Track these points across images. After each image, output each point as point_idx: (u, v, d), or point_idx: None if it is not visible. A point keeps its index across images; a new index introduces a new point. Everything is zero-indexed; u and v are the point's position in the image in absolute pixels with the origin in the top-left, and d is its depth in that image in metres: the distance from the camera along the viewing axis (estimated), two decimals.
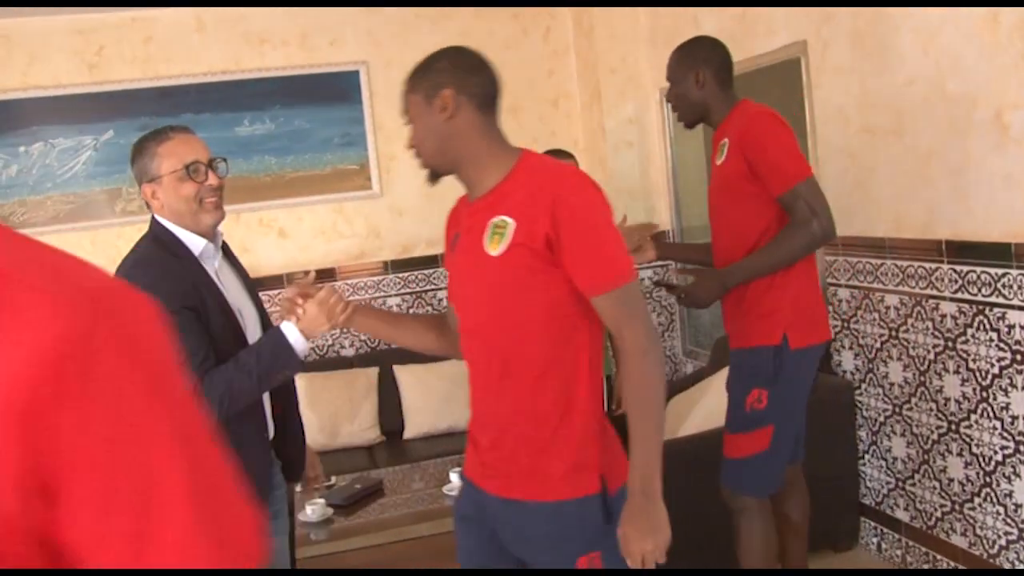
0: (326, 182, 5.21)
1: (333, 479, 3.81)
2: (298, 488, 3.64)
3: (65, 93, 4.94)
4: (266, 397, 2.37)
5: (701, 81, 2.90)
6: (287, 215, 5.17)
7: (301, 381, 4.58)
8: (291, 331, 2.20)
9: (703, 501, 3.65)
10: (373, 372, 4.86)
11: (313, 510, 3.42)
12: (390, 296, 5.30)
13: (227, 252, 2.48)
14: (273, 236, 5.19)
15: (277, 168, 5.15)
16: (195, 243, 2.29)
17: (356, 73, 5.22)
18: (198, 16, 5.05)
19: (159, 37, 5.03)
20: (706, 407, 3.97)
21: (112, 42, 4.99)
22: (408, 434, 4.80)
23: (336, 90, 5.19)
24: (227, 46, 5.09)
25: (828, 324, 2.99)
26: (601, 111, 5.22)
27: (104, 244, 4.92)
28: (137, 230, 2.41)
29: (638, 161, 5.23)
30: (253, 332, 2.36)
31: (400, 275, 5.32)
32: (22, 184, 4.93)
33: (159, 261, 2.23)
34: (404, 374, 4.87)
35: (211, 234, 2.33)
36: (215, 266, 2.33)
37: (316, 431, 4.55)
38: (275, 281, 5.11)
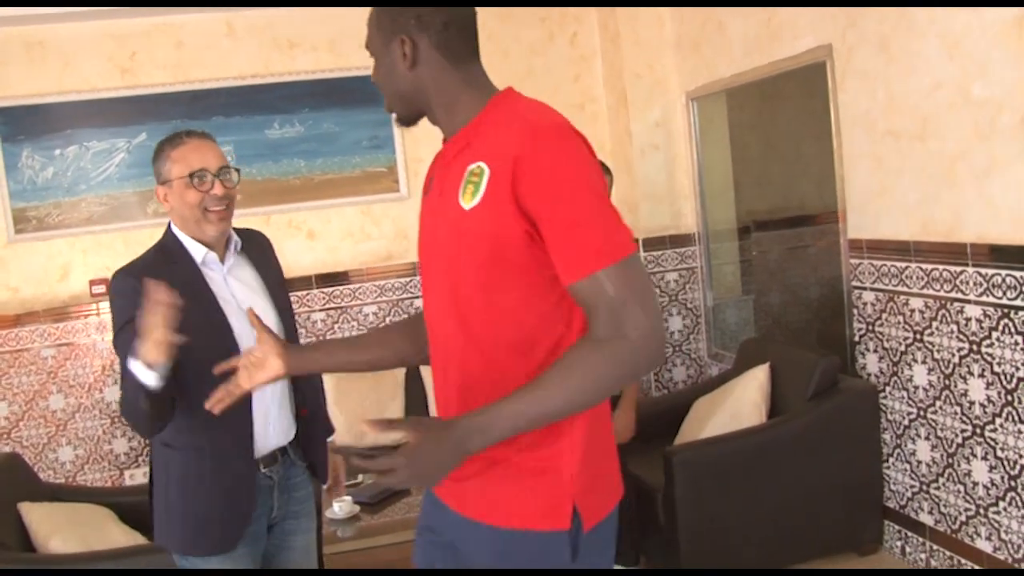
0: (354, 184, 5.27)
1: (360, 477, 3.86)
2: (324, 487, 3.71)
3: (99, 97, 5.02)
4: (267, 402, 2.35)
5: (409, 54, 1.70)
6: (316, 217, 5.23)
7: (329, 381, 4.64)
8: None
9: (727, 501, 3.68)
10: (400, 373, 4.91)
11: (340, 507, 3.47)
12: (418, 297, 5.35)
13: (252, 254, 2.49)
14: (302, 238, 5.25)
15: (306, 170, 5.21)
16: (197, 250, 2.33)
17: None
18: (229, 21, 5.12)
19: (190, 42, 5.11)
20: (730, 409, 3.99)
21: (144, 47, 5.07)
22: None
23: (364, 93, 5.24)
24: (257, 50, 5.16)
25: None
26: (627, 115, 5.24)
27: (136, 245, 4.99)
28: None
29: (664, 165, 5.25)
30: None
31: None
32: (57, 186, 5.02)
33: (144, 269, 2.23)
34: (430, 375, 4.91)
35: (215, 242, 2.35)
36: (223, 271, 2.37)
37: (343, 431, 4.59)
38: (304, 282, 5.17)
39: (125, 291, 2.23)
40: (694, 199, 5.24)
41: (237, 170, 2.37)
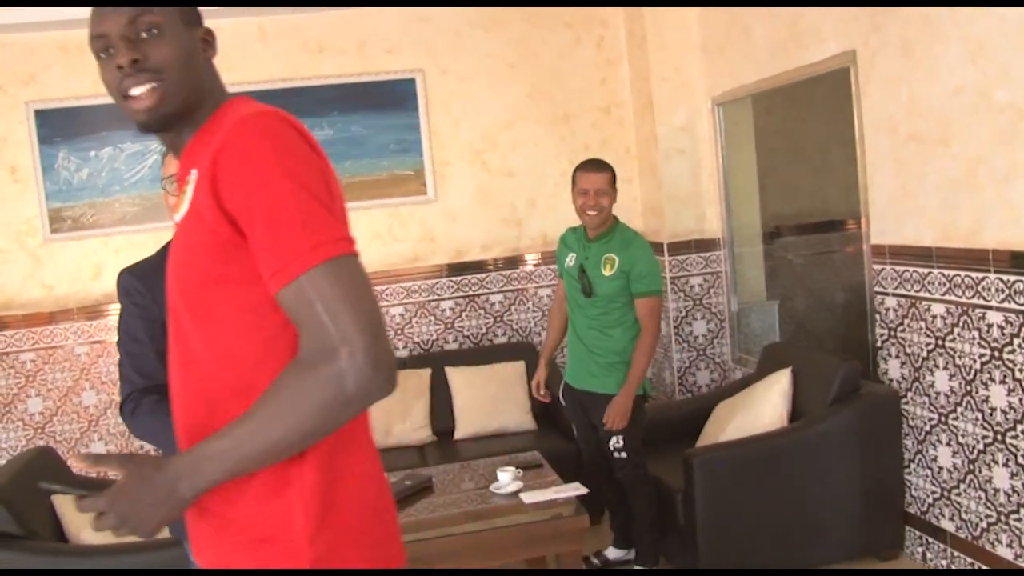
0: (382, 187, 5.33)
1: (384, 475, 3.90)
2: None
3: None
4: None
5: (210, 42, 1.56)
6: None
7: None
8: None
9: (747, 504, 3.69)
10: (425, 373, 4.96)
11: None
12: (444, 299, 5.40)
13: None
14: None
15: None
16: None
17: (412, 81, 5.34)
18: (260, 25, 5.20)
19: (222, 45, 5.04)
20: (752, 413, 4.00)
21: None
22: (459, 434, 4.89)
23: (392, 97, 5.31)
24: (287, 54, 5.24)
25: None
26: (653, 119, 5.26)
27: None
28: None
29: (689, 169, 5.27)
30: None
31: (454, 279, 5.42)
32: (92, 187, 5.12)
33: (143, 273, 2.32)
34: (456, 376, 4.97)
35: None
36: None
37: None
38: None
39: (127, 290, 2.31)
40: (719, 203, 5.25)
41: None
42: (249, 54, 5.20)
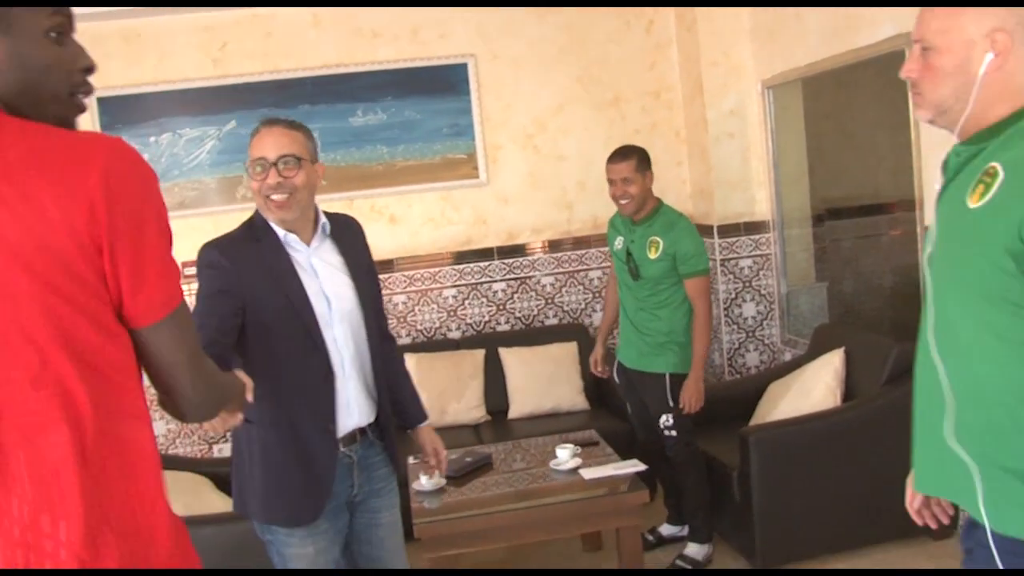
0: (435, 171, 5.42)
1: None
2: (411, 459, 3.86)
3: (191, 86, 5.24)
4: (349, 383, 2.45)
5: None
6: (398, 202, 5.39)
7: (411, 362, 4.81)
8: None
9: (801, 482, 3.75)
10: (479, 354, 5.06)
11: (427, 480, 3.62)
12: (496, 281, 5.49)
13: (341, 238, 2.55)
14: (384, 222, 5.42)
15: (388, 157, 5.38)
16: (280, 231, 2.42)
17: (464, 66, 5.41)
18: (315, 12, 5.29)
19: (278, 32, 5.29)
20: (804, 393, 4.06)
21: (234, 38, 5.27)
22: (513, 414, 4.99)
23: (445, 82, 5.39)
24: (342, 40, 5.33)
25: None
26: (703, 103, 5.30)
27: (225, 228, 5.16)
28: None
29: (739, 152, 5.31)
30: (343, 318, 2.45)
31: (505, 261, 5.51)
32: None
33: (230, 245, 2.40)
34: (509, 356, 5.07)
35: (295, 226, 2.42)
36: (308, 252, 2.44)
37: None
38: (386, 265, 5.34)
39: (210, 263, 2.37)
40: (768, 186, 5.29)
41: (297, 158, 2.36)
42: (304, 41, 5.30)
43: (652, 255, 3.89)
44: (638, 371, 4.04)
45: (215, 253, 2.38)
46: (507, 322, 5.52)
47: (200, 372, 1.45)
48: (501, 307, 5.51)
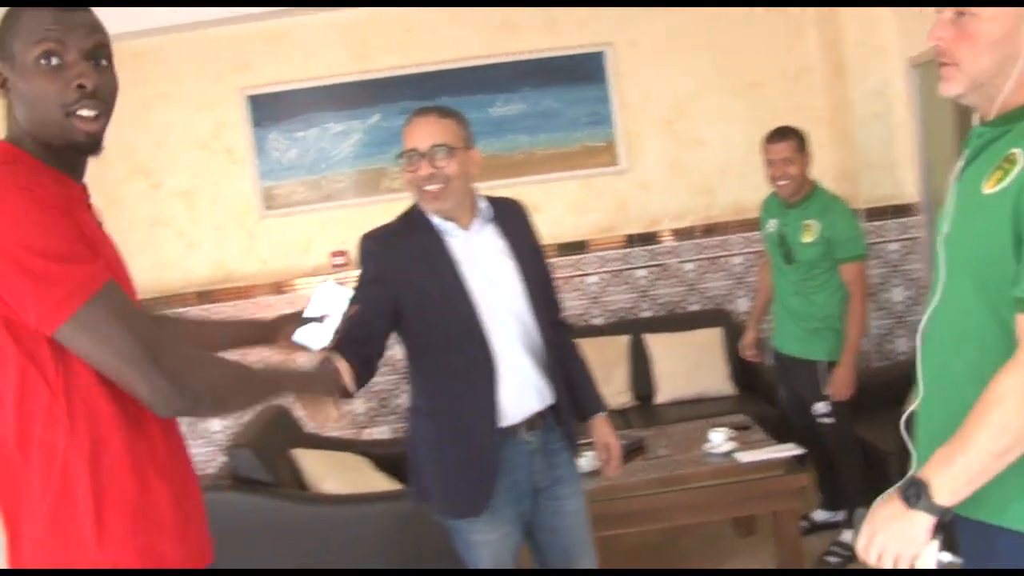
0: (575, 159, 5.45)
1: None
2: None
3: (336, 82, 5.40)
4: (518, 369, 2.41)
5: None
6: (539, 191, 5.43)
7: None
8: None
9: None
10: (624, 340, 5.07)
11: (585, 461, 3.64)
12: (637, 268, 5.49)
13: (505, 222, 2.51)
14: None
15: (529, 146, 5.43)
16: (437, 219, 2.41)
17: (601, 54, 5.42)
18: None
19: (418, 27, 5.40)
20: None
21: (376, 34, 5.40)
22: (659, 399, 4.99)
23: (583, 71, 5.41)
24: (480, 32, 5.40)
25: None
26: (845, 84, 5.20)
27: (371, 219, 5.27)
28: (401, 206, 2.53)
29: (884, 134, 5.19)
30: (506, 304, 2.42)
31: (647, 247, 5.50)
32: (300, 166, 5.43)
33: (386, 235, 2.43)
34: (654, 342, 5.07)
35: (452, 214, 2.39)
36: (467, 240, 2.41)
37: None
38: None
39: (366, 253, 2.42)
40: (916, 168, 5.15)
41: (448, 147, 2.32)
42: (443, 33, 5.39)
43: (806, 239, 3.82)
44: (792, 356, 3.99)
45: (371, 243, 2.42)
46: (649, 308, 5.51)
47: (151, 364, 1.44)
48: (643, 293, 5.51)
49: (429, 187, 2.33)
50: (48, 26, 1.48)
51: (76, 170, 1.63)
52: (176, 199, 5.49)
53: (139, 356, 1.43)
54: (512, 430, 2.43)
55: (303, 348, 2.12)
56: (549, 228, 5.43)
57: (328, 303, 2.15)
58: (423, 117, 2.38)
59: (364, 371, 2.17)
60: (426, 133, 2.34)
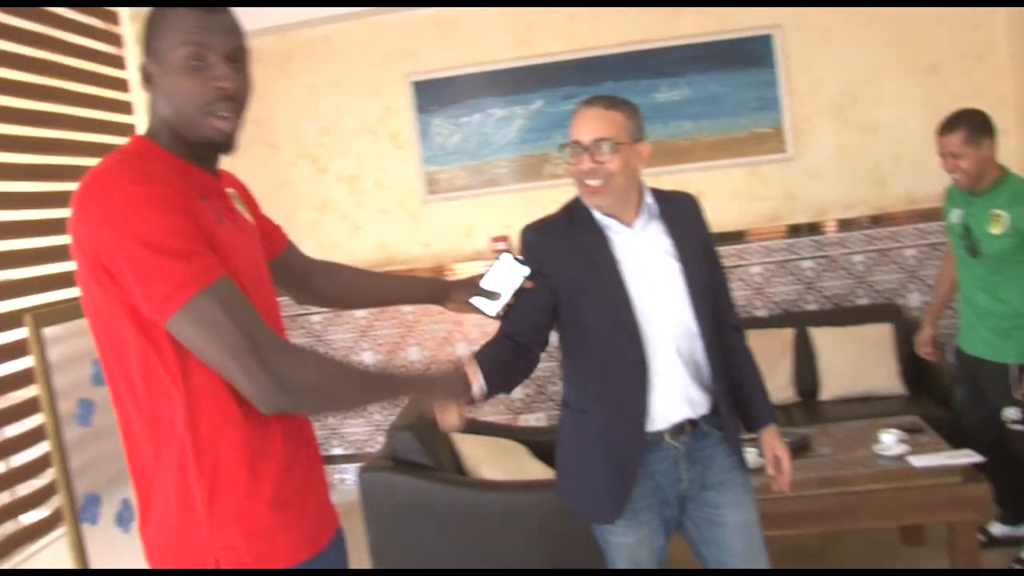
0: (741, 145, 5.31)
1: None
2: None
3: (500, 68, 5.42)
4: (672, 374, 2.31)
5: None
6: (703, 178, 5.32)
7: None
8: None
9: None
10: (788, 333, 4.91)
11: (748, 458, 3.53)
12: (804, 259, 5.31)
13: (672, 217, 2.39)
14: None
15: (693, 132, 5.32)
16: (599, 214, 2.33)
17: (769, 37, 5.25)
18: None
19: (581, 12, 5.35)
20: None
21: (540, 19, 5.39)
22: (824, 395, 4.81)
23: (750, 55, 5.25)
24: (644, 16, 5.31)
25: None
26: None
27: (533, 205, 5.34)
28: (563, 192, 2.48)
29: None
30: (666, 305, 2.31)
31: (815, 238, 5.31)
32: (463, 151, 5.48)
33: (546, 227, 2.38)
34: (820, 336, 4.89)
35: (613, 210, 2.32)
36: (631, 235, 2.32)
37: None
38: None
39: (526, 245, 2.37)
40: None
41: (607, 141, 2.23)
42: (606, 18, 5.33)
43: (994, 230, 3.58)
44: (978, 358, 3.76)
45: (531, 235, 2.38)
46: (815, 301, 5.32)
47: (253, 359, 1.49)
48: (809, 285, 5.32)
49: (590, 181, 2.26)
50: (193, 28, 1.55)
51: (208, 163, 1.70)
52: (342, 183, 5.64)
53: (242, 351, 1.48)
54: (657, 435, 2.34)
55: (477, 311, 2.27)
56: (713, 216, 5.18)
57: (506, 275, 2.28)
58: (588, 108, 2.28)
59: (502, 378, 2.17)
60: (590, 126, 2.25)
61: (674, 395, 2.33)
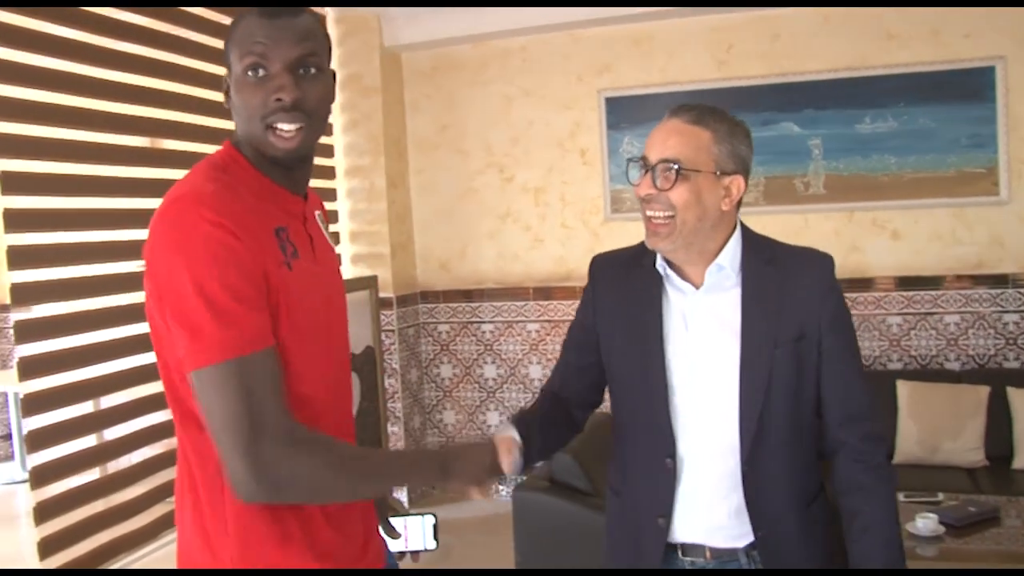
0: (947, 184, 4.95)
1: (940, 496, 3.65)
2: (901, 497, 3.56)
3: (695, 88, 5.27)
4: (703, 488, 1.87)
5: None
6: (902, 216, 5.00)
7: (903, 390, 4.47)
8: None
9: None
10: (983, 391, 4.52)
11: (924, 524, 3.30)
12: (1008, 312, 4.88)
13: (772, 284, 1.86)
14: (886, 237, 5.05)
15: (896, 168, 5.00)
16: (662, 261, 1.90)
17: (991, 69, 4.88)
18: (825, 13, 5.06)
19: (785, 34, 5.15)
20: None
21: (741, 40, 5.22)
22: (1018, 463, 4.38)
23: (967, 87, 4.89)
24: (852, 42, 5.05)
25: None
26: None
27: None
28: (748, 220, 2.01)
29: None
30: (707, 396, 1.86)
31: (1022, 291, 4.89)
32: None
33: (607, 265, 2.04)
34: (1018, 397, 4.48)
35: (676, 257, 1.87)
36: (691, 297, 1.87)
37: (914, 443, 4.41)
38: (884, 283, 5.04)
39: (591, 274, 2.06)
40: None
41: (686, 169, 1.77)
42: (812, 43, 5.10)
43: None
44: None
45: (594, 266, 2.06)
46: (1016, 358, 4.90)
47: (240, 444, 1.38)
48: (1011, 341, 4.90)
49: (651, 213, 1.80)
50: (256, 37, 1.46)
51: (294, 183, 1.60)
52: (527, 194, 5.65)
53: (240, 432, 1.39)
54: (675, 548, 1.90)
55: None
56: (907, 259, 5.03)
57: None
58: (670, 119, 1.84)
59: (545, 442, 1.94)
60: (663, 140, 1.80)
61: (697, 512, 1.88)
